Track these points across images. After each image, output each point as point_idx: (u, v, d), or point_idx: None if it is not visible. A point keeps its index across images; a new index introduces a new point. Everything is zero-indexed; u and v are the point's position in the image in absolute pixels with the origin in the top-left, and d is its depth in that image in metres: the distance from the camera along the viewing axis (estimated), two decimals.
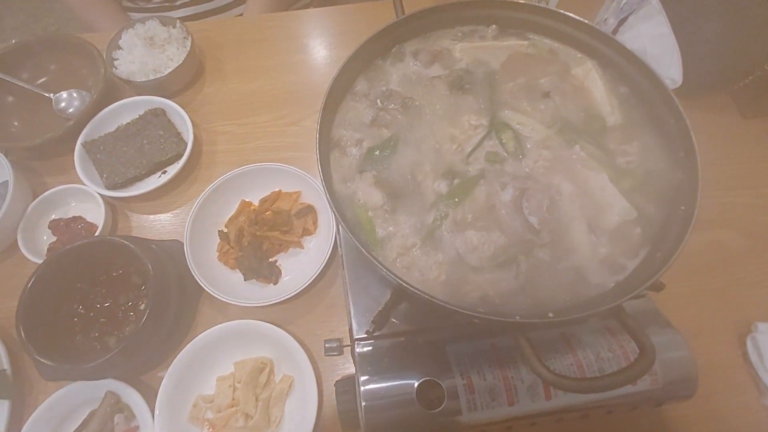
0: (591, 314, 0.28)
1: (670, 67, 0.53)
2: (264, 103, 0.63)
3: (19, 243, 0.53)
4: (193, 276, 0.49)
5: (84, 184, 0.57)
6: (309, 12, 0.72)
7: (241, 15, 0.86)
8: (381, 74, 0.41)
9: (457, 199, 0.34)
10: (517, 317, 0.29)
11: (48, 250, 0.55)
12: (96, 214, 0.56)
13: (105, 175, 0.57)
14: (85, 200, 0.57)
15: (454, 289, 0.33)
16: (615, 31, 0.56)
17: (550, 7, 0.47)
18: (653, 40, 0.55)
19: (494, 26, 0.41)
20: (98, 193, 0.56)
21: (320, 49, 0.68)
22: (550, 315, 0.29)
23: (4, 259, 0.55)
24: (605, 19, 0.55)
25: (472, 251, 0.33)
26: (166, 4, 0.86)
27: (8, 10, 1.83)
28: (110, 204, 0.57)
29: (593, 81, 0.38)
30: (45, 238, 0.56)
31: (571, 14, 0.38)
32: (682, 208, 0.31)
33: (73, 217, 0.57)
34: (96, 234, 0.54)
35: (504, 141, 0.36)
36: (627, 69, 0.36)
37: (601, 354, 0.36)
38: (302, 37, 0.69)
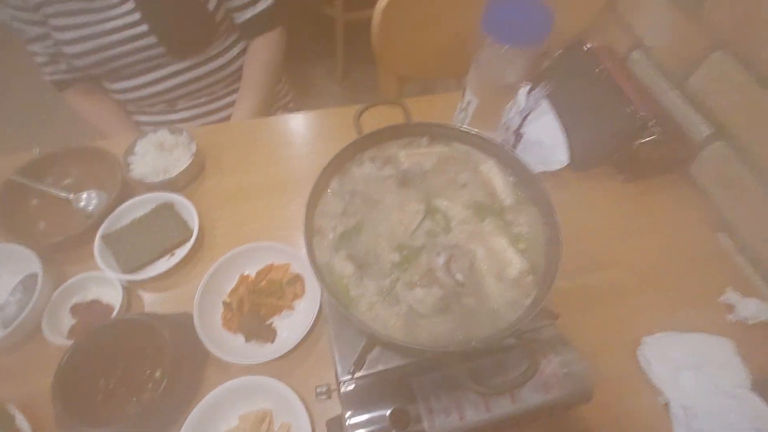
0: (500, 339, 0.41)
1: (560, 152, 0.72)
2: (256, 191, 0.78)
3: (43, 328, 0.62)
4: (201, 343, 0.59)
5: (102, 271, 0.67)
6: (288, 116, 0.89)
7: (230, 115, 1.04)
8: (348, 175, 0.56)
9: (406, 266, 0.48)
10: (451, 347, 0.41)
11: (69, 332, 0.63)
12: (112, 297, 0.66)
13: (121, 262, 0.68)
14: (103, 285, 0.67)
15: (409, 332, 0.45)
16: (521, 126, 0.75)
17: (466, 120, 0.65)
18: (548, 132, 0.74)
19: (426, 137, 0.58)
20: (115, 278, 0.66)
21: (300, 145, 0.84)
22: (475, 343, 0.42)
23: (27, 343, 0.63)
24: (512, 118, 0.75)
25: (419, 303, 0.46)
26: (168, 108, 1.03)
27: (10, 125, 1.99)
28: (125, 286, 0.67)
29: (494, 174, 0.54)
30: (66, 321, 0.65)
31: (474, 131, 0.55)
32: (554, 260, 0.46)
33: (92, 300, 0.66)
34: (113, 314, 0.64)
35: (437, 220, 0.51)
36: (513, 164, 0.53)
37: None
38: (284, 137, 0.85)
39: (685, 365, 0.57)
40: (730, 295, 0.63)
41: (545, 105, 0.76)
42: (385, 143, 0.59)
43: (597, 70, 0.74)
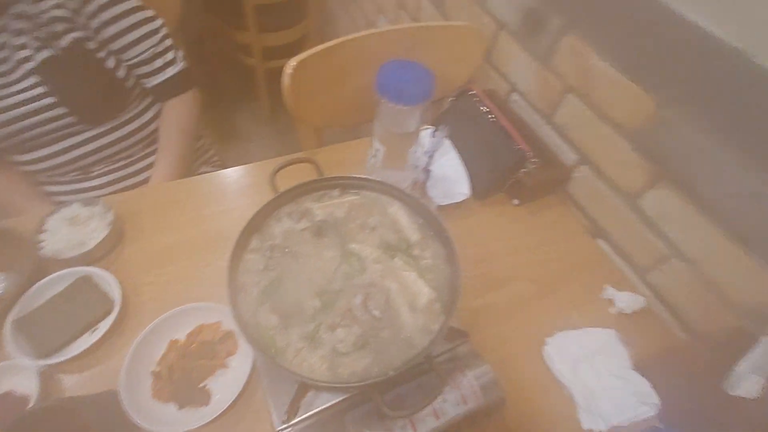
0: (414, 364, 0.47)
1: (463, 185, 0.82)
2: (180, 252, 0.78)
3: None
4: (130, 420, 0.58)
5: (14, 359, 0.63)
6: (208, 176, 0.90)
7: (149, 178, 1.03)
8: (267, 232, 0.60)
9: (327, 310, 0.52)
10: (371, 380, 0.46)
11: None
12: (28, 386, 0.62)
13: (37, 346, 0.64)
14: (16, 374, 0.63)
15: (333, 372, 0.49)
16: (428, 164, 0.85)
17: (377, 165, 0.73)
18: (451, 167, 0.85)
19: (337, 189, 0.64)
20: (31, 365, 0.62)
21: (221, 202, 0.86)
22: (391, 372, 0.47)
23: None
24: (419, 158, 0.84)
25: (341, 342, 0.50)
26: (82, 176, 0.99)
27: None
28: (41, 372, 0.63)
29: (400, 215, 0.61)
30: None
31: (378, 179, 0.63)
32: (456, 286, 0.53)
33: (3, 393, 0.62)
34: (30, 404, 0.60)
35: (352, 263, 0.57)
36: (416, 206, 0.61)
37: (446, 395, 0.54)
38: (205, 196, 0.86)
39: (581, 357, 0.66)
40: (609, 291, 0.75)
41: (447, 144, 0.87)
42: (300, 198, 0.64)
43: (483, 111, 0.87)
